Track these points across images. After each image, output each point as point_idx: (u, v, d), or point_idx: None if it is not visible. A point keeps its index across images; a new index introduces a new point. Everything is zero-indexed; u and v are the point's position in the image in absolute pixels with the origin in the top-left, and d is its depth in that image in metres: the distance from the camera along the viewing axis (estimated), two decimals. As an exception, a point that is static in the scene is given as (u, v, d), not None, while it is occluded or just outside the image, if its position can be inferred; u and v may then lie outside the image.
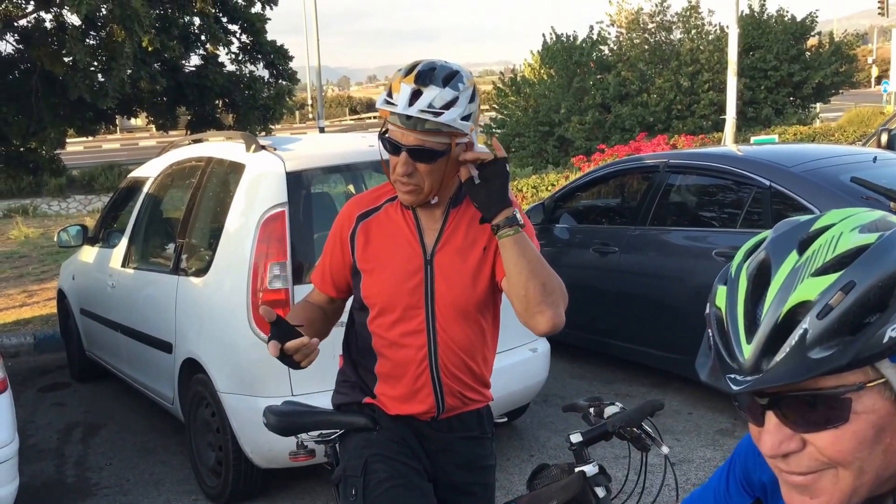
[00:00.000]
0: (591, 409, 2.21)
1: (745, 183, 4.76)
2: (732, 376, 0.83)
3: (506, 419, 4.43)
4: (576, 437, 2.11)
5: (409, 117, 1.76)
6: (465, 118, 1.79)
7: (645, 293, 5.12)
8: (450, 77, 1.78)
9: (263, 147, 3.80)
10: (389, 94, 1.80)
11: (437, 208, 1.95)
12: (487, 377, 2.07)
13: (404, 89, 1.76)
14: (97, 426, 5.10)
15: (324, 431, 2.09)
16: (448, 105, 1.75)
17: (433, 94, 1.75)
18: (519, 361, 4.11)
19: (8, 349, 6.90)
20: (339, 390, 2.12)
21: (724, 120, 14.19)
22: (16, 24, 8.71)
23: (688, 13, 20.70)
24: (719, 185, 5.11)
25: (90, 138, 18.31)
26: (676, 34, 20.91)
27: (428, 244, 1.94)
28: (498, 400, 3.75)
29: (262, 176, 3.66)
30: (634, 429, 2.11)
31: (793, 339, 0.79)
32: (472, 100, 1.81)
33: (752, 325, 0.83)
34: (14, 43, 8.80)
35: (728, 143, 13.18)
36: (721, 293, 0.90)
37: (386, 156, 1.88)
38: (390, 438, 1.98)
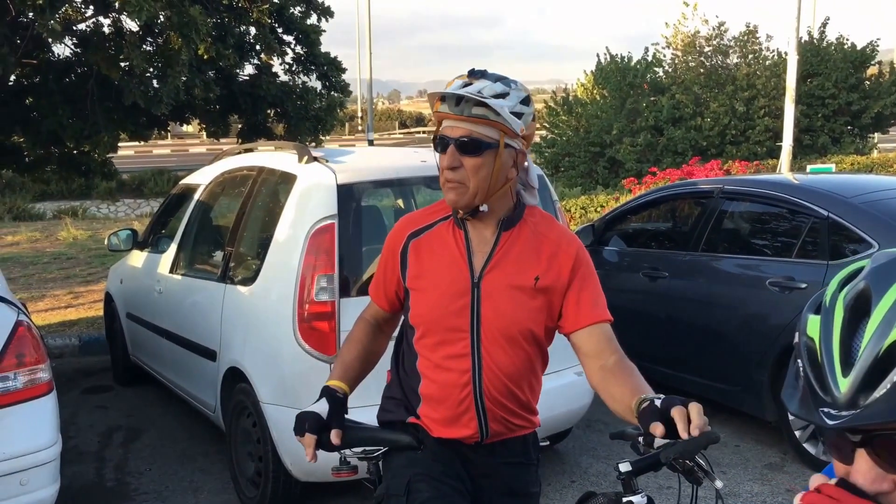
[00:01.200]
0: (641, 438, 2.12)
1: (801, 212, 4.63)
2: (826, 410, 0.78)
3: (548, 442, 4.33)
4: (625, 467, 2.03)
5: (458, 101, 1.76)
6: (516, 115, 1.78)
7: (694, 320, 5.00)
8: (502, 77, 1.81)
9: (315, 158, 3.79)
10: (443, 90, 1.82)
11: (488, 228, 1.90)
12: (534, 404, 2.01)
13: (456, 82, 1.80)
14: (138, 431, 5.12)
15: (367, 448, 2.05)
16: (498, 96, 1.76)
17: (484, 84, 1.77)
18: (564, 385, 4.02)
19: (53, 350, 6.99)
20: (384, 407, 2.09)
21: (779, 147, 13.89)
22: (75, 28, 8.92)
23: (745, 38, 20.40)
24: (775, 213, 4.98)
25: (141, 143, 18.70)
26: (733, 58, 20.60)
27: (476, 266, 1.89)
28: (542, 423, 3.66)
29: (313, 187, 3.65)
30: (687, 461, 2.02)
31: (895, 375, 0.74)
32: (525, 102, 1.80)
33: (848, 358, 0.79)
34: (72, 47, 9.00)
35: (784, 170, 12.90)
36: (813, 323, 0.85)
37: (437, 158, 1.86)
38: (434, 459, 1.94)
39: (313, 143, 10.63)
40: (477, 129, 1.78)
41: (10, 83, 9.23)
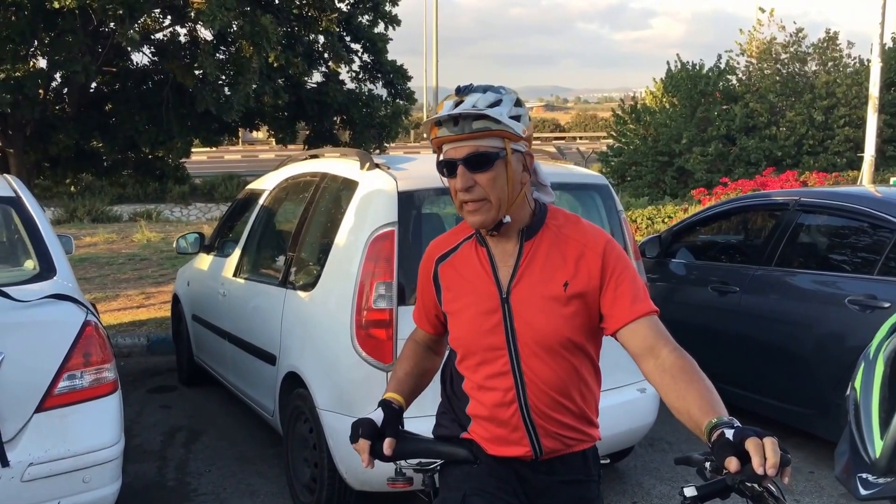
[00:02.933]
0: (708, 465, 2.01)
1: (884, 227, 4.40)
2: (864, 476, 0.69)
3: (608, 461, 4.20)
4: (690, 491, 1.92)
5: (455, 122, 1.72)
6: (515, 118, 1.75)
7: (766, 338, 4.80)
8: (490, 87, 1.79)
9: (377, 165, 3.78)
10: (435, 114, 1.79)
11: (510, 240, 1.85)
12: (591, 414, 1.93)
13: (446, 104, 1.77)
14: (199, 432, 5.19)
15: (423, 460, 2.02)
16: (492, 105, 1.73)
17: (475, 98, 1.74)
18: (625, 401, 3.90)
19: (122, 349, 7.19)
20: (439, 422, 2.06)
21: (860, 158, 13.37)
22: (153, 37, 9.18)
23: (825, 44, 19.74)
24: (855, 227, 4.75)
25: (213, 149, 19.23)
26: (811, 66, 19.95)
27: (503, 281, 1.85)
28: (601, 440, 3.54)
29: (373, 194, 3.63)
30: (757, 485, 1.91)
31: None
32: (518, 104, 1.77)
33: (888, 417, 0.68)
34: (150, 55, 9.27)
35: (865, 182, 12.40)
36: (859, 373, 0.76)
37: (447, 183, 1.82)
38: (490, 473, 1.89)
39: (378, 150, 10.69)
40: (481, 143, 1.74)
41: (92, 90, 9.56)
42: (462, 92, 1.77)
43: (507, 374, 1.83)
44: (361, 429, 1.86)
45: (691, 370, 1.69)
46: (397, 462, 1.96)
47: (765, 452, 1.40)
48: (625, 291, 1.79)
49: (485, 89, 1.76)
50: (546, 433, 1.86)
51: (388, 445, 1.85)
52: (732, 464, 1.43)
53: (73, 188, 15.86)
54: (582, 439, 1.92)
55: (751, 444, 1.42)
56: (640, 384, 4.00)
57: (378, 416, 1.89)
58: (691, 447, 4.76)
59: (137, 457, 4.73)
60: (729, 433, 1.49)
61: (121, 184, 11.76)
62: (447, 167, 1.78)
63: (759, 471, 1.40)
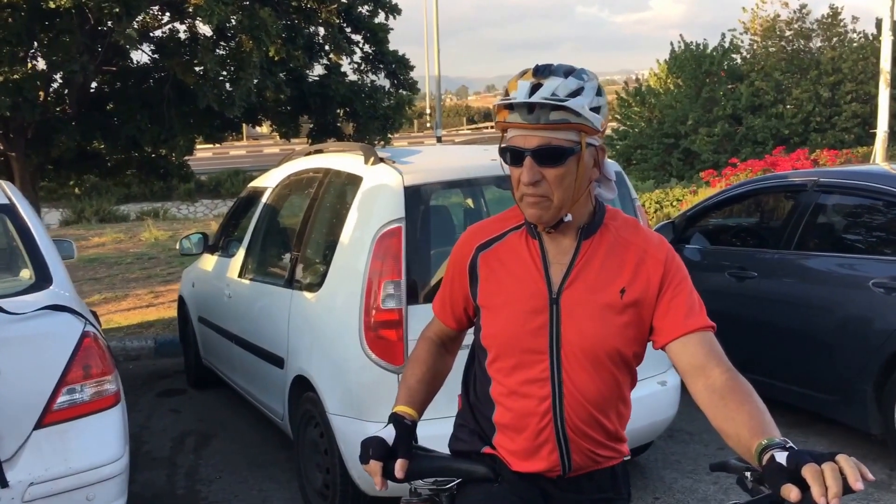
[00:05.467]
0: (748, 474, 1.87)
1: (908, 206, 4.26)
2: None
3: (629, 456, 4.09)
4: None
5: (530, 109, 1.55)
6: (595, 110, 1.57)
7: (787, 324, 4.67)
8: (571, 70, 1.61)
9: (382, 159, 3.65)
10: (506, 94, 1.60)
11: (566, 237, 1.69)
12: (622, 432, 1.79)
13: (522, 85, 1.58)
14: (209, 436, 5.10)
15: (439, 479, 1.87)
16: (574, 94, 1.56)
17: (555, 84, 1.56)
18: (646, 395, 3.77)
19: (130, 352, 7.10)
20: (456, 435, 1.90)
21: (870, 134, 13.18)
22: (151, 34, 9.05)
23: (829, 20, 19.50)
24: (876, 207, 4.59)
25: (218, 145, 19.09)
26: (816, 42, 19.73)
27: (555, 280, 1.68)
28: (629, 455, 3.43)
29: (379, 189, 3.50)
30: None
31: None
32: (599, 93, 1.60)
33: None
34: (150, 53, 9.14)
35: (878, 159, 12.20)
36: None
37: (507, 170, 1.66)
38: (513, 492, 1.75)
39: (382, 142, 10.55)
40: (556, 136, 1.57)
41: (92, 90, 9.45)
42: (540, 73, 1.58)
43: (545, 381, 1.68)
44: (372, 449, 1.71)
45: (743, 391, 1.54)
46: (411, 482, 1.84)
47: (825, 480, 1.26)
48: (680, 303, 1.65)
49: (566, 72, 1.59)
50: (578, 449, 1.71)
51: (399, 468, 1.70)
52: (793, 494, 1.28)
53: (77, 190, 15.84)
54: (612, 456, 1.78)
55: (808, 472, 1.27)
56: (660, 377, 3.88)
57: (389, 433, 1.75)
58: (712, 437, 4.65)
59: (146, 464, 4.64)
60: (781, 457, 1.34)
61: (125, 184, 11.70)
62: (512, 155, 1.61)
63: (821, 502, 1.25)
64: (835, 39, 19.35)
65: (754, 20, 20.26)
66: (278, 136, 11.28)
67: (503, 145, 1.64)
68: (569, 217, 1.65)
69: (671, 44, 20.14)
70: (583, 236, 1.69)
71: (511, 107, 1.59)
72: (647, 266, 1.67)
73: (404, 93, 10.67)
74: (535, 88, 1.56)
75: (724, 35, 19.79)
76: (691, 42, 19.84)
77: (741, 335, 4.93)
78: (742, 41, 19.96)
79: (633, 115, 20.42)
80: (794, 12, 19.64)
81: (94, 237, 14.59)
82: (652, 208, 10.77)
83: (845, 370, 4.29)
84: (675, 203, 10.72)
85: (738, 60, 19.87)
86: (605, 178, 1.74)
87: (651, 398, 3.82)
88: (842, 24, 19.46)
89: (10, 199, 3.54)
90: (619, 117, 21.22)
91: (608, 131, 22.46)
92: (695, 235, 5.64)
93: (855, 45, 19.13)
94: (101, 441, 2.94)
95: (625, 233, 1.72)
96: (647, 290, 1.66)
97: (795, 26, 19.55)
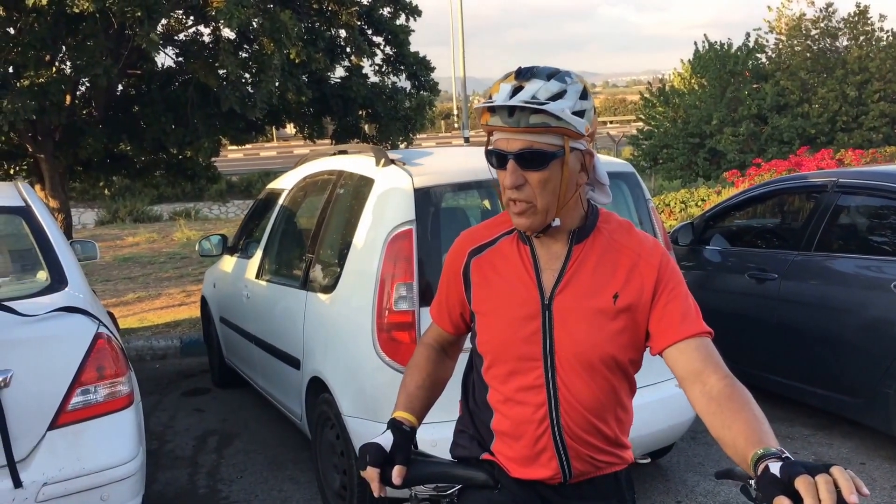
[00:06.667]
0: (752, 482, 1.83)
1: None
2: None
3: (649, 460, 4.05)
4: None
5: (510, 112, 1.53)
6: (578, 114, 1.54)
7: (809, 325, 4.61)
8: (554, 73, 1.57)
9: (393, 162, 3.65)
10: (489, 98, 1.57)
11: (557, 242, 1.67)
12: (624, 438, 1.76)
13: (503, 88, 1.56)
14: (232, 435, 5.13)
15: (440, 485, 1.86)
16: (555, 97, 1.53)
17: (536, 87, 1.53)
18: (665, 398, 3.73)
19: (157, 351, 7.20)
20: (457, 441, 1.89)
21: (898, 133, 12.93)
22: (175, 38, 9.13)
23: (856, 18, 19.19)
24: (899, 207, 4.52)
25: (249, 146, 19.22)
26: (843, 41, 19.42)
27: (547, 285, 1.67)
28: (640, 438, 3.36)
29: (390, 192, 3.50)
30: None
31: None
32: (583, 97, 1.56)
33: None
34: (174, 56, 9.23)
35: (904, 158, 11.98)
36: None
37: (494, 174, 1.64)
38: (512, 499, 1.74)
39: (404, 143, 10.56)
40: (538, 140, 1.54)
41: (118, 93, 9.56)
42: (522, 76, 1.56)
43: (541, 388, 1.66)
44: (369, 455, 1.70)
45: (740, 399, 1.50)
46: (412, 488, 1.83)
47: (819, 492, 1.21)
48: (675, 308, 1.62)
49: (549, 75, 1.56)
50: (577, 455, 1.69)
51: (397, 474, 1.69)
52: None
53: (107, 191, 16.08)
54: (614, 462, 1.75)
55: (801, 484, 1.23)
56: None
57: (386, 439, 1.73)
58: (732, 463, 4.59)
59: (170, 463, 4.70)
60: (775, 468, 1.30)
61: (154, 185, 11.82)
62: (497, 158, 1.60)
63: None
64: (861, 38, 19.01)
65: (780, 19, 20.02)
66: (303, 138, 11.33)
67: (489, 148, 1.62)
68: (557, 222, 1.63)
69: (695, 43, 19.96)
70: (574, 241, 1.67)
71: (493, 109, 1.57)
72: (641, 270, 1.65)
73: (425, 94, 10.66)
74: (516, 91, 1.54)
75: (748, 34, 19.58)
76: (716, 41, 19.65)
77: (762, 337, 4.88)
78: (767, 40, 19.73)
79: (657, 116, 20.25)
80: (821, 11, 19.35)
81: (128, 237, 14.84)
82: (677, 208, 10.69)
83: (868, 372, 4.23)
84: (699, 203, 10.62)
85: (763, 60, 19.62)
86: (599, 183, 1.72)
87: (670, 400, 3.77)
88: (869, 22, 19.15)
89: (25, 200, 3.58)
90: (643, 117, 21.07)
91: (633, 131, 22.33)
92: (714, 236, 5.59)
93: (883, 43, 18.79)
94: (115, 442, 2.96)
95: (618, 236, 1.69)
96: (641, 294, 1.63)
97: (822, 25, 19.25)
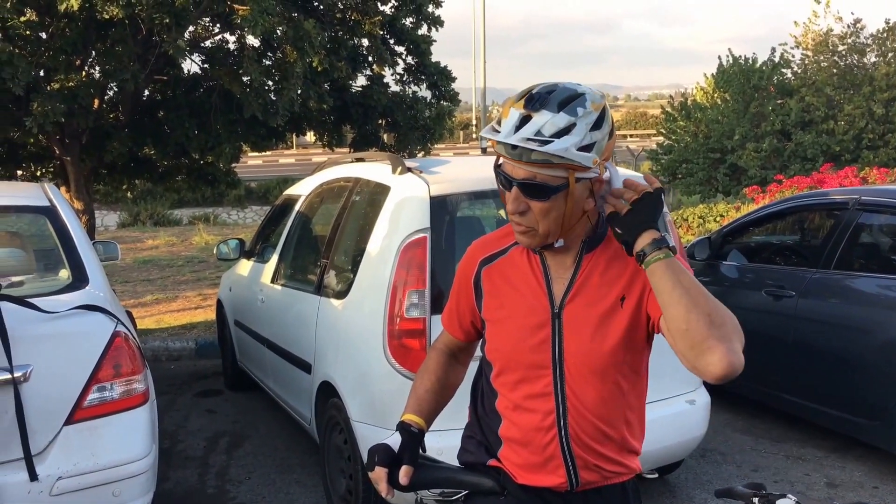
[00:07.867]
0: (756, 500, 1.83)
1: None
2: None
3: (656, 475, 4.04)
4: None
5: (513, 147, 1.52)
6: (585, 148, 1.51)
7: (825, 345, 4.57)
8: (568, 101, 1.53)
9: (409, 169, 3.68)
10: (498, 122, 1.57)
11: (567, 252, 1.69)
12: (635, 444, 1.77)
13: (512, 115, 1.54)
14: (242, 437, 5.18)
15: (446, 490, 1.87)
16: (560, 133, 1.50)
17: (543, 121, 1.51)
18: (674, 413, 3.74)
19: (172, 352, 7.27)
20: (465, 447, 1.90)
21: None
22: (202, 45, 9.25)
23: (884, 35, 19.03)
24: (920, 227, 4.48)
25: (269, 153, 19.37)
26: (870, 57, 19.25)
27: (557, 294, 1.68)
28: (648, 454, 3.34)
29: (405, 200, 3.53)
30: None
31: None
32: (596, 127, 1.53)
33: None
34: (199, 63, 9.34)
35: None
36: None
37: (501, 192, 1.66)
38: None
39: (422, 153, 10.60)
40: (541, 172, 1.54)
41: (144, 98, 9.70)
42: (532, 105, 1.52)
43: (549, 395, 1.68)
44: (377, 455, 1.73)
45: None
46: (418, 492, 1.85)
47: None
48: None
49: (559, 106, 1.51)
50: (584, 464, 1.70)
51: (404, 474, 1.71)
52: None
53: (129, 194, 16.28)
54: (622, 472, 1.76)
55: None
56: (688, 395, 3.83)
57: (395, 440, 1.76)
58: (744, 458, 4.56)
59: (181, 462, 4.74)
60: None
61: (175, 189, 11.95)
62: (503, 180, 1.60)
63: None
64: (890, 55, 18.85)
65: (806, 34, 19.87)
66: (322, 146, 11.40)
67: (497, 165, 1.63)
68: (560, 243, 1.65)
69: (719, 58, 19.87)
70: (584, 250, 1.69)
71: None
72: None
73: (445, 104, 10.71)
74: (523, 121, 1.53)
75: (773, 49, 19.47)
76: (740, 56, 19.56)
77: (777, 356, 4.84)
78: (793, 56, 19.59)
79: (678, 130, 20.16)
80: (848, 27, 19.18)
81: (148, 239, 15.01)
82: (695, 223, 10.63)
83: (884, 394, 4.18)
84: (718, 218, 10.56)
85: (789, 75, 19.49)
86: None
87: (679, 417, 3.77)
88: (898, 39, 18.99)
89: (51, 201, 3.66)
90: (664, 132, 20.98)
91: (653, 145, 22.21)
92: (732, 252, 5.57)
93: (911, 60, 18.64)
94: (129, 438, 3.01)
95: None
96: (644, 287, 1.63)
97: (849, 41, 19.10)
